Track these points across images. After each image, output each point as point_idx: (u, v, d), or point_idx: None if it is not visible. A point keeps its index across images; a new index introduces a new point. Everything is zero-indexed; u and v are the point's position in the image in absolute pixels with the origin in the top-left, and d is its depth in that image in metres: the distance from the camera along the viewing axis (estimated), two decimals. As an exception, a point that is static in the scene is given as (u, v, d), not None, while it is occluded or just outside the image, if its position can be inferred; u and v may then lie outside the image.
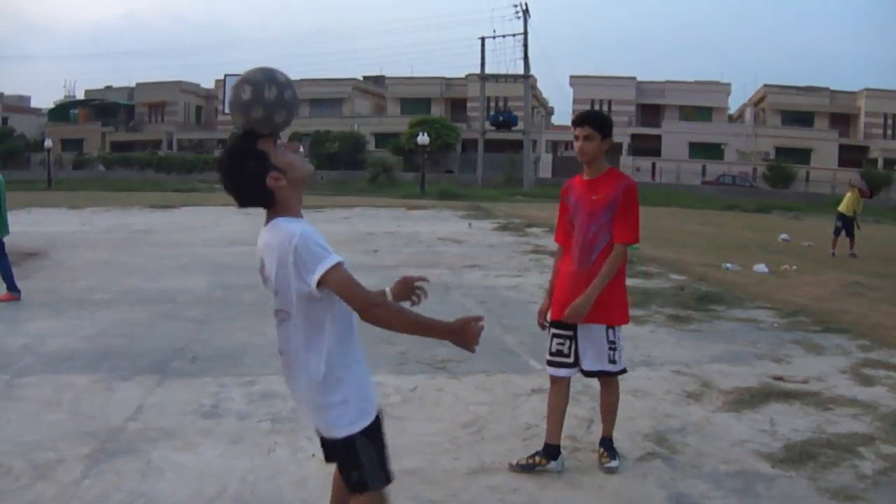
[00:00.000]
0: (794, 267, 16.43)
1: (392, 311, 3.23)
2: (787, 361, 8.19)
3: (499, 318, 10.16)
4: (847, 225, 20.69)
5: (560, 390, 5.20)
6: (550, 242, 19.48)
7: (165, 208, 29.75)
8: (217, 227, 22.72)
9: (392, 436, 5.44)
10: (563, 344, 5.12)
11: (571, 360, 5.12)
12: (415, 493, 4.70)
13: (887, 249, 23.01)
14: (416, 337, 8.21)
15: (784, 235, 25.11)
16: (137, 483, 4.77)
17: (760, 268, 15.69)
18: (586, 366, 5.06)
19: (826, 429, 5.97)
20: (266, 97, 3.06)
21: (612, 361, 5.02)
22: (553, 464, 5.12)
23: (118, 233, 20.42)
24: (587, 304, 4.86)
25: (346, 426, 3.15)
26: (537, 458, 5.12)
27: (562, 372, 5.15)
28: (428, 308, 9.59)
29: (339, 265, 2.99)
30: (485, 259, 16.19)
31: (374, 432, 3.26)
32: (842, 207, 20.90)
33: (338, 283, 3.01)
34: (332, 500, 3.60)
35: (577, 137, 5.02)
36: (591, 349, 5.02)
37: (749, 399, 6.67)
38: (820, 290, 13.36)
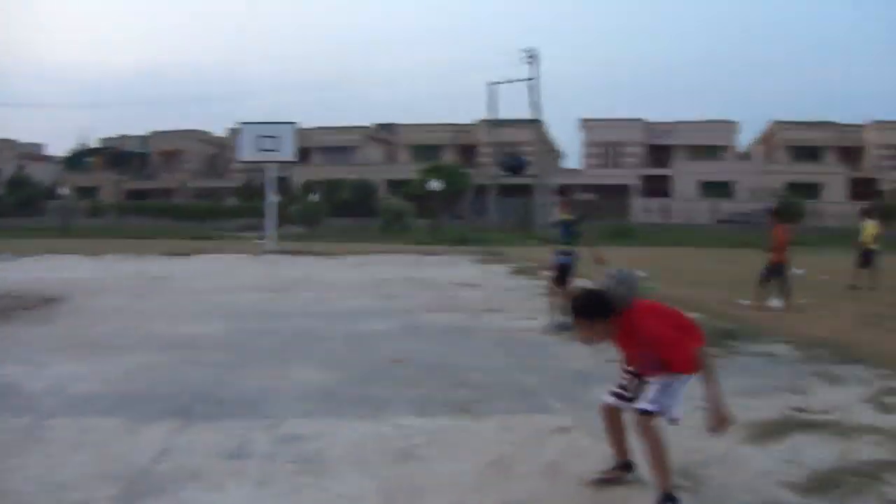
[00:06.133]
0: (810, 300, 16.45)
1: None
2: (807, 393, 8.23)
3: (519, 359, 10.24)
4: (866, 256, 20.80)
5: (612, 416, 5.44)
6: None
7: (180, 256, 29.86)
8: (232, 274, 22.83)
9: (416, 476, 5.53)
10: (627, 379, 5.35)
11: (630, 395, 5.28)
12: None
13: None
14: (438, 378, 8.27)
15: (798, 270, 25.09)
16: (168, 522, 4.80)
17: (775, 302, 15.71)
18: (637, 403, 5.14)
19: (849, 457, 6.01)
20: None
21: (653, 401, 5.04)
22: (630, 475, 5.44)
23: (136, 279, 20.50)
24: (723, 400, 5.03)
25: None
26: (616, 472, 5.46)
27: (610, 399, 5.39)
28: (451, 351, 9.73)
29: None
30: (501, 302, 16.24)
31: None
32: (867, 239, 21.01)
33: None
34: None
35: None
36: (646, 390, 5.15)
37: (771, 431, 6.70)
38: (836, 322, 13.40)
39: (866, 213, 22.66)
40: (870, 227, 21.42)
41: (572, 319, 5.24)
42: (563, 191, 13.64)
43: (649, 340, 5.02)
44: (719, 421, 4.96)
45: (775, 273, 16.27)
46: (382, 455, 6.12)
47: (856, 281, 20.55)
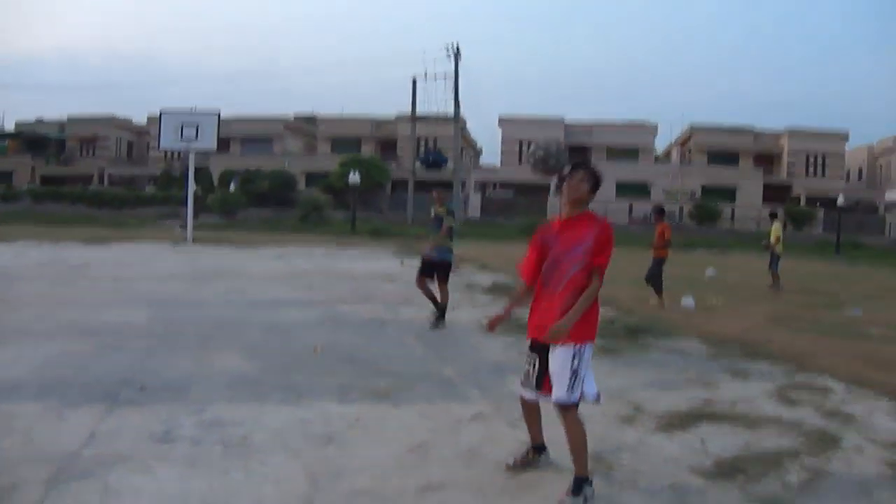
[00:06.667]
0: (721, 300, 16.94)
1: None
2: (715, 387, 8.62)
3: (436, 350, 10.49)
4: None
5: (527, 408, 5.68)
6: (480, 279, 19.87)
7: (99, 243, 29.49)
8: (152, 263, 22.62)
9: (339, 459, 5.71)
10: (528, 365, 5.54)
11: (533, 382, 5.48)
12: (368, 510, 4.94)
13: (809, 282, 23.73)
14: (357, 367, 8.43)
15: (710, 271, 25.71)
16: (98, 504, 4.90)
17: (688, 301, 16.14)
18: (554, 397, 5.31)
19: (754, 445, 6.39)
20: None
21: (570, 390, 5.23)
22: (544, 456, 5.71)
23: (54, 266, 20.22)
24: (568, 325, 5.18)
25: None
26: (530, 455, 5.70)
27: (527, 394, 5.57)
28: (369, 341, 9.88)
29: None
30: (419, 296, 16.36)
31: None
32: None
33: None
34: None
35: (570, 178, 5.41)
36: (556, 374, 5.30)
37: (680, 421, 7.05)
38: (745, 321, 13.87)
39: (774, 217, 23.32)
40: (776, 230, 22.03)
41: (574, 170, 5.47)
42: (443, 185, 13.50)
43: (605, 235, 5.34)
44: (554, 332, 5.23)
45: (659, 268, 16.79)
46: (306, 439, 6.27)
47: (775, 281, 21.21)
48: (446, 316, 12.53)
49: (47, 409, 6.88)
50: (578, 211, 5.43)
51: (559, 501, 5.13)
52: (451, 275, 12.92)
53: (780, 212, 24.59)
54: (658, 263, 16.88)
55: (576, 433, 5.26)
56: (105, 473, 5.36)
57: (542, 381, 5.43)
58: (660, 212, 17.89)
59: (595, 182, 5.42)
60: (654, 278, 16.69)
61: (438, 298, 12.57)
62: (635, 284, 17.62)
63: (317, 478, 5.39)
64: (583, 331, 5.27)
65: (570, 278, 5.30)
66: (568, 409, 5.27)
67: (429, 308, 12.62)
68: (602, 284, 5.34)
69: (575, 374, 5.23)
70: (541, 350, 5.42)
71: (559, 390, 5.27)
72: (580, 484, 5.18)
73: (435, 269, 12.67)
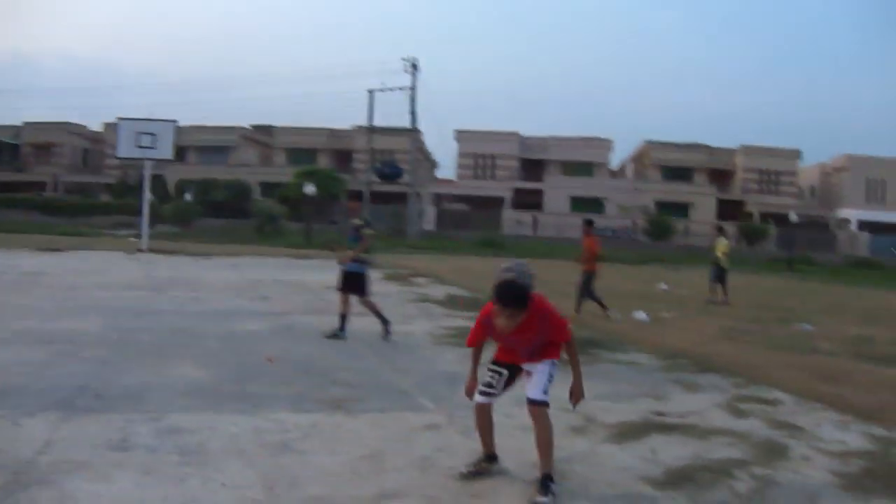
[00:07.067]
0: (673, 314, 17.16)
1: None
2: (666, 398, 8.79)
3: (391, 361, 10.59)
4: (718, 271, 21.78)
5: (482, 416, 5.86)
6: (435, 292, 20.03)
7: (53, 251, 29.28)
8: (108, 272, 22.53)
9: (295, 467, 5.77)
10: (494, 378, 5.78)
11: (497, 391, 5.79)
12: (322, 518, 5.01)
13: (761, 297, 24.06)
14: (311, 377, 8.50)
15: (663, 285, 26.01)
16: (54, 511, 4.90)
17: (640, 315, 16.33)
18: (531, 395, 5.58)
19: (704, 455, 6.53)
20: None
21: (545, 391, 5.55)
22: (496, 466, 5.90)
23: (7, 274, 20.07)
24: (582, 390, 5.75)
25: None
26: (483, 464, 5.85)
27: (486, 399, 5.80)
28: (323, 352, 9.95)
29: None
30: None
31: None
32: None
33: None
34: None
35: (500, 313, 5.43)
36: (535, 380, 5.59)
37: (631, 432, 7.19)
38: (697, 335, 14.08)
39: (720, 231, 23.64)
40: (722, 245, 22.33)
41: (500, 308, 5.40)
42: (353, 195, 13.33)
43: (555, 324, 5.59)
44: (578, 396, 5.75)
45: (583, 279, 16.96)
46: (261, 447, 6.31)
47: (712, 295, 21.49)
48: (402, 328, 12.56)
49: (2, 417, 6.85)
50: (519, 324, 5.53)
51: (532, 501, 5.30)
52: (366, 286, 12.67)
53: (725, 226, 24.93)
54: (588, 277, 17.03)
55: (545, 431, 5.54)
56: (62, 481, 5.36)
57: (504, 390, 5.82)
58: (588, 224, 17.97)
59: (524, 302, 5.38)
60: (589, 294, 16.85)
61: (343, 312, 12.46)
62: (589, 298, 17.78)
63: (273, 485, 5.43)
64: (555, 351, 5.67)
65: (538, 352, 5.65)
66: (541, 408, 5.52)
67: (377, 320, 12.59)
68: (572, 340, 5.72)
69: (551, 377, 5.59)
70: (511, 368, 5.78)
71: (535, 391, 5.54)
72: (547, 482, 5.42)
73: (352, 282, 12.49)
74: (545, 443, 5.53)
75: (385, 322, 12.49)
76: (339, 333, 12.22)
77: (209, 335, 11.92)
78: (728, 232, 23.13)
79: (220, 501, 5.15)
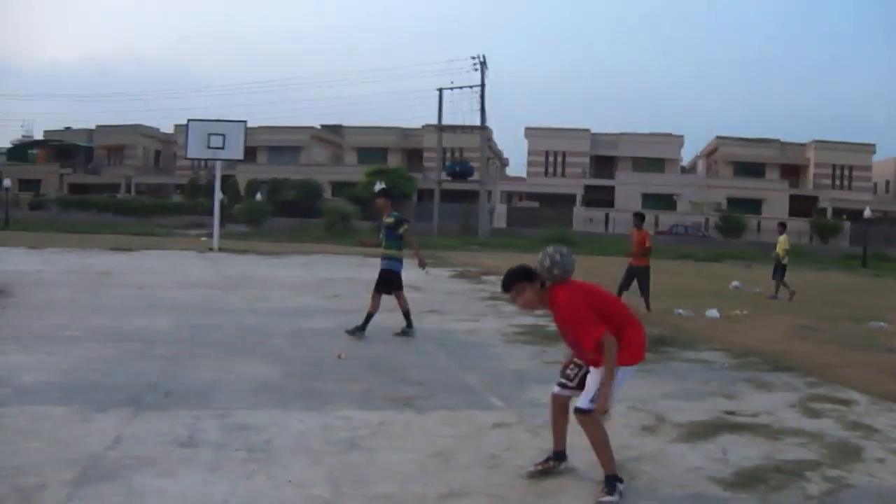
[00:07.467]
0: (745, 311, 16.90)
1: None
2: (738, 398, 8.60)
3: (459, 359, 10.53)
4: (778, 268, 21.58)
5: (558, 408, 5.78)
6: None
7: (125, 251, 29.72)
8: (178, 271, 22.83)
9: (362, 464, 5.74)
10: (573, 370, 5.72)
11: (574, 383, 5.67)
12: (389, 516, 4.97)
13: (834, 294, 23.63)
14: (380, 375, 8.46)
15: (735, 283, 25.66)
16: (122, 505, 4.95)
17: (712, 313, 16.12)
18: (576, 403, 5.50)
19: (775, 456, 6.36)
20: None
21: (592, 401, 5.38)
22: (564, 464, 5.79)
23: (81, 273, 20.44)
24: (607, 391, 5.34)
25: None
26: (551, 462, 5.74)
27: (563, 392, 5.74)
28: (393, 350, 9.91)
29: None
30: (443, 305, 16.49)
31: None
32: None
33: None
34: None
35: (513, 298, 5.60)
36: (589, 385, 5.46)
37: (702, 431, 7.04)
38: (769, 333, 13.83)
39: (783, 227, 23.32)
40: (783, 242, 22.09)
41: (505, 292, 5.62)
42: (381, 193, 13.01)
43: (563, 314, 5.45)
44: (601, 405, 5.35)
45: (636, 276, 16.77)
46: (328, 445, 6.31)
47: (775, 291, 21.29)
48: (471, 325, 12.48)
49: (73, 413, 6.96)
50: (541, 303, 5.58)
51: (598, 501, 5.23)
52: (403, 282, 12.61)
53: (787, 223, 24.65)
54: (644, 273, 16.97)
55: (595, 434, 5.41)
56: (129, 476, 5.40)
57: (582, 386, 5.58)
58: (640, 218, 17.68)
59: (519, 276, 5.52)
60: (642, 289, 16.68)
61: (402, 309, 12.39)
62: (659, 295, 17.58)
63: (339, 483, 5.42)
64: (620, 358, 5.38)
65: (588, 355, 5.51)
66: (584, 415, 5.40)
67: (450, 318, 12.50)
68: (607, 344, 5.33)
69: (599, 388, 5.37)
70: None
71: (581, 399, 5.43)
72: (612, 482, 5.32)
73: (386, 280, 12.39)
74: (598, 446, 5.43)
75: (410, 323, 12.37)
76: (356, 332, 11.98)
77: (278, 333, 11.99)
78: (790, 228, 22.74)
79: (286, 499, 5.14)
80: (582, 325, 5.34)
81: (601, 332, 5.27)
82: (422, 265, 12.73)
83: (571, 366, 5.73)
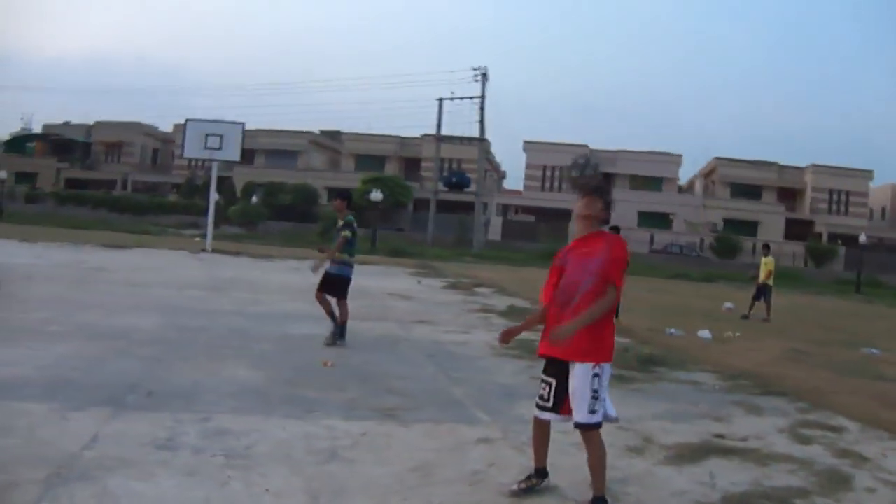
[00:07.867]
0: (737, 334, 16.84)
1: None
2: (727, 421, 8.51)
3: (447, 371, 10.43)
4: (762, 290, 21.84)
5: (539, 429, 5.62)
6: (498, 302, 19.84)
7: (119, 248, 29.66)
8: (169, 270, 22.78)
9: (342, 476, 5.63)
10: (544, 389, 5.49)
11: (550, 404, 5.44)
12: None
13: (827, 319, 23.61)
14: (366, 384, 8.35)
15: (728, 304, 25.60)
16: (93, 508, 4.84)
17: (704, 334, 16.06)
18: (577, 418, 5.32)
19: (763, 482, 6.26)
20: None
21: (592, 412, 5.26)
22: (545, 482, 5.63)
23: (72, 268, 20.39)
24: (574, 328, 5.19)
25: None
26: (533, 480, 5.59)
27: (543, 415, 5.53)
28: (380, 359, 9.81)
29: None
30: (433, 315, 16.41)
31: None
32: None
33: None
34: None
35: (580, 198, 5.58)
36: (577, 394, 5.29)
37: (690, 454, 6.94)
38: (761, 355, 13.74)
39: (766, 249, 23.57)
40: (769, 263, 22.28)
41: (583, 196, 5.59)
42: (338, 194, 12.82)
43: (613, 251, 5.36)
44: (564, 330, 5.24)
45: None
46: (309, 454, 6.20)
47: (755, 312, 21.57)
48: (461, 337, 12.39)
49: (52, 410, 6.85)
50: (592, 230, 5.50)
51: None
52: (348, 290, 12.41)
53: (770, 244, 24.99)
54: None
55: (598, 454, 5.31)
56: (104, 477, 5.31)
57: (561, 404, 5.40)
58: (766, 247, 18.72)
59: (605, 202, 5.54)
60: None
61: (341, 319, 12.10)
62: (651, 314, 17.54)
63: (317, 494, 5.32)
64: (601, 351, 5.32)
65: (584, 292, 5.31)
66: (591, 431, 5.29)
67: (454, 327, 12.40)
68: (618, 297, 5.36)
69: (595, 394, 5.25)
70: (557, 374, 5.40)
71: (581, 413, 5.28)
72: (598, 503, 5.25)
73: (331, 284, 12.17)
74: (597, 465, 5.33)
75: (341, 333, 12.02)
76: (337, 338, 11.85)
77: (266, 337, 11.91)
78: (785, 251, 23.10)
79: (260, 507, 5.03)
80: (619, 266, 5.35)
81: (622, 284, 5.37)
82: (317, 263, 12.37)
83: (542, 385, 5.54)
